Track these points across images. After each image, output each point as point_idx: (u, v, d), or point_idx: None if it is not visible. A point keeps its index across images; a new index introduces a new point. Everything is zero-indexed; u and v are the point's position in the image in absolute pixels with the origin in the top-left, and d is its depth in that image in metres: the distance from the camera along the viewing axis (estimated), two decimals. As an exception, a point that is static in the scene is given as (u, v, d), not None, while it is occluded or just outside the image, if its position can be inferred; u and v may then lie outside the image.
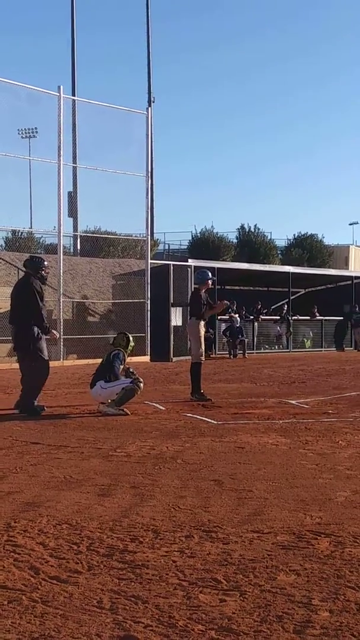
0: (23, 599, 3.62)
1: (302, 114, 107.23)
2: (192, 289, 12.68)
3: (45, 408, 10.11)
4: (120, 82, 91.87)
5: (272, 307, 30.40)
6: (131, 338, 10.71)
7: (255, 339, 27.31)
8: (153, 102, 38.76)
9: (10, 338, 14.58)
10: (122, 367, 10.32)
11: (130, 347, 10.60)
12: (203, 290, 11.84)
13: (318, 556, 4.23)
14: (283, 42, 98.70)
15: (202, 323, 11.75)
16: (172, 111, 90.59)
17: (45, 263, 10.77)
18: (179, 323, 23.45)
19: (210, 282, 12.07)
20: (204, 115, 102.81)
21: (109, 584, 3.81)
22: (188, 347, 12.11)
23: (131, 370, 10.45)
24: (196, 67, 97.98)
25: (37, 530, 4.73)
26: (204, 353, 11.79)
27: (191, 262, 25.14)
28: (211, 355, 20.01)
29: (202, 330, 11.76)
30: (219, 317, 23.89)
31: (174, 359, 22.52)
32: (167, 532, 4.67)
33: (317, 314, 29.90)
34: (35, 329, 10.08)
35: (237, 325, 24.72)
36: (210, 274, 12.11)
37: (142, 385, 10.27)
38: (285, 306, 28.90)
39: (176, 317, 23.37)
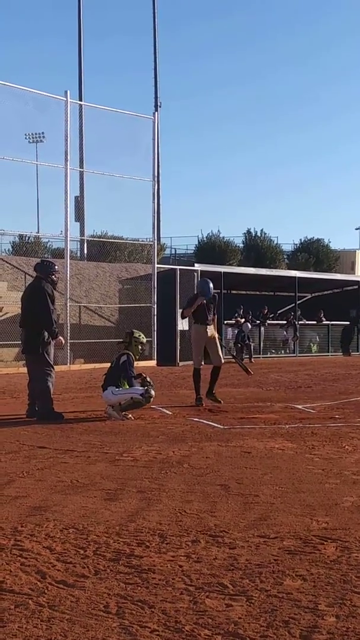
0: (30, 603, 3.63)
1: (310, 118, 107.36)
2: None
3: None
4: (127, 88, 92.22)
5: (279, 311, 30.39)
6: (137, 334, 10.67)
7: (261, 343, 27.31)
8: (160, 107, 38.90)
9: (18, 342, 14.66)
10: (134, 371, 10.33)
11: (135, 344, 10.55)
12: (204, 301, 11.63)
13: (324, 561, 4.22)
14: (290, 46, 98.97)
15: (205, 328, 11.55)
16: (178, 116, 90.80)
17: (56, 267, 10.81)
18: (186, 327, 23.46)
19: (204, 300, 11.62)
20: (210, 120, 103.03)
21: (115, 589, 3.82)
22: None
23: (148, 380, 10.43)
24: (200, 73, 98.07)
25: (44, 534, 4.74)
26: (201, 360, 11.61)
27: (198, 267, 25.17)
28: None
29: (206, 334, 11.54)
30: (225, 322, 23.89)
31: (181, 363, 22.53)
32: (173, 537, 4.67)
33: (323, 319, 29.88)
34: (45, 332, 10.11)
35: (247, 330, 24.81)
36: (210, 287, 11.71)
37: (152, 399, 10.26)
38: (299, 311, 28.95)
39: (183, 322, 23.38)
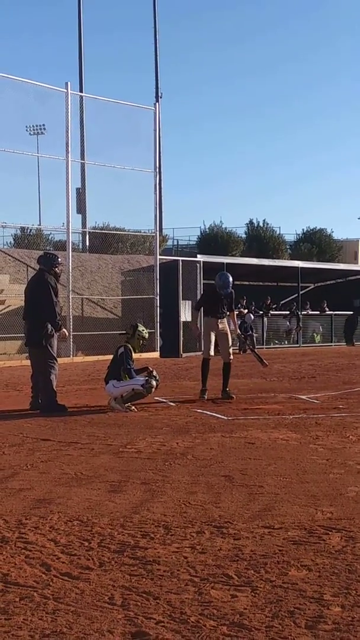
0: (35, 595, 3.63)
1: (311, 110, 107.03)
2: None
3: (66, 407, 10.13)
4: (127, 80, 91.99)
5: (282, 302, 30.37)
6: (140, 328, 10.66)
7: (265, 334, 27.29)
8: (161, 97, 38.71)
9: (21, 335, 14.66)
10: (133, 363, 10.33)
11: (138, 337, 10.54)
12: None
13: (329, 551, 4.22)
14: (293, 40, 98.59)
15: (215, 320, 11.39)
16: (180, 108, 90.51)
17: (60, 260, 10.80)
18: (189, 318, 23.45)
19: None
20: (213, 111, 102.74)
21: (120, 580, 3.82)
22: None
23: (154, 374, 10.41)
24: (203, 65, 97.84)
25: (48, 527, 4.74)
26: (210, 350, 11.50)
27: (200, 258, 25.15)
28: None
29: (217, 326, 11.37)
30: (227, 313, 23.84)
31: (184, 354, 22.53)
32: (178, 528, 4.67)
33: (326, 309, 29.86)
34: (49, 325, 10.11)
35: (250, 321, 24.80)
36: (229, 282, 11.41)
37: (153, 389, 10.25)
38: (307, 304, 28.93)
39: (186, 313, 23.37)
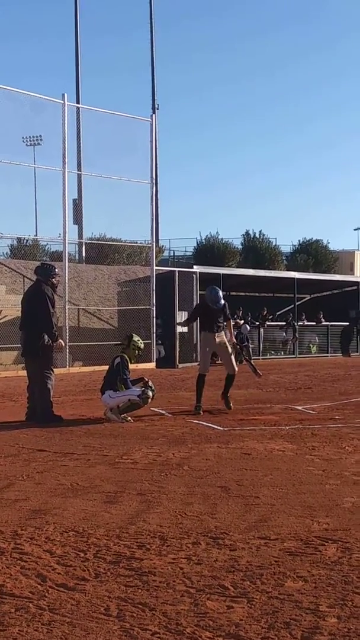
0: (30, 606, 3.62)
1: (306, 118, 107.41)
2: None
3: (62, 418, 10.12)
4: (124, 90, 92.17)
5: (278, 313, 30.40)
6: (136, 338, 10.67)
7: (261, 344, 27.30)
8: (157, 109, 38.89)
9: (17, 345, 14.65)
10: (129, 373, 10.33)
11: (133, 347, 10.55)
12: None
13: (325, 562, 4.22)
14: (286, 46, 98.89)
15: (213, 335, 11.21)
16: (175, 117, 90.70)
17: (57, 270, 10.80)
18: (185, 330, 23.46)
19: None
20: (207, 121, 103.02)
21: (116, 592, 3.81)
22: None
23: (150, 384, 10.41)
24: (200, 74, 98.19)
25: (44, 537, 4.73)
26: (207, 366, 11.36)
27: (196, 269, 25.18)
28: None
29: (214, 341, 11.21)
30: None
31: (180, 365, 22.52)
32: (174, 539, 4.66)
33: (323, 320, 29.90)
34: (45, 336, 10.11)
35: (246, 332, 24.80)
36: (219, 296, 11.21)
37: (149, 400, 10.24)
38: (303, 315, 28.99)
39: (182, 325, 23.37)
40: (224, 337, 11.40)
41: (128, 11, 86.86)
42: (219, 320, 11.26)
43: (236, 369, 11.33)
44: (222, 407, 11.25)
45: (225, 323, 11.47)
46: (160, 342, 22.95)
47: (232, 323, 11.97)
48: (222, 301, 11.26)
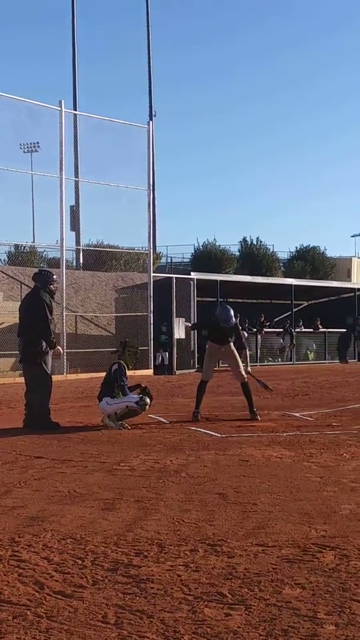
0: (28, 614, 3.62)
1: (306, 130, 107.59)
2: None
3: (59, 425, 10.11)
4: (122, 98, 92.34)
5: (275, 319, 30.43)
6: (130, 344, 10.67)
7: (258, 351, 27.31)
8: (154, 116, 38.97)
9: (15, 352, 14.63)
10: (127, 380, 10.33)
11: (129, 353, 10.54)
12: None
13: (323, 569, 4.21)
14: (290, 63, 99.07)
15: (219, 345, 11.14)
16: (174, 124, 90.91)
17: (55, 277, 10.81)
18: (182, 336, 23.48)
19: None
20: (207, 129, 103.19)
21: (113, 599, 3.80)
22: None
23: (147, 390, 10.40)
24: (200, 85, 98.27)
25: (42, 545, 4.73)
26: (209, 373, 11.26)
27: (194, 275, 25.22)
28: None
29: (220, 350, 11.17)
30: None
31: (178, 372, 22.53)
32: (171, 546, 4.66)
33: (320, 327, 29.93)
34: (43, 342, 10.11)
35: (246, 337, 24.81)
36: (231, 315, 10.98)
37: (147, 407, 10.23)
38: (300, 321, 29.00)
39: (179, 330, 23.40)
40: (231, 345, 11.13)
41: (126, 18, 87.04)
42: (229, 338, 11.07)
43: (245, 375, 11.11)
44: (219, 413, 11.26)
45: (239, 349, 11.19)
46: (165, 349, 22.99)
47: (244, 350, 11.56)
48: (233, 320, 11.05)
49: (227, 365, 11.55)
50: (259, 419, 10.72)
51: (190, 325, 21.80)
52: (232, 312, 11.03)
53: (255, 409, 10.91)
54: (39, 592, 3.92)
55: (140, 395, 10.20)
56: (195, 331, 22.89)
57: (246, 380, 11.11)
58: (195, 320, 22.98)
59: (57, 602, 3.78)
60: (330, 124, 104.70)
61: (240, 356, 11.30)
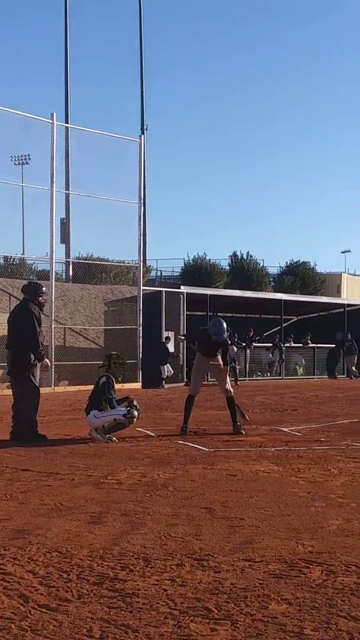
0: (12, 627, 3.58)
1: (294, 142, 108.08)
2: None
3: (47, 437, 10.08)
4: (114, 106, 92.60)
5: (265, 334, 30.46)
6: (115, 355, 10.65)
7: (247, 366, 27.32)
8: (146, 129, 39.07)
9: (2, 364, 14.57)
10: (115, 393, 10.31)
11: (115, 365, 10.51)
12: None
13: (310, 585, 4.20)
14: (281, 74, 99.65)
15: (207, 358, 11.11)
16: (164, 137, 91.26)
17: (44, 289, 10.79)
18: (172, 349, 23.48)
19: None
20: (196, 141, 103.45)
21: (99, 613, 3.78)
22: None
23: (135, 403, 10.37)
24: (189, 93, 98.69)
25: (27, 558, 4.69)
26: (197, 387, 11.27)
27: (184, 289, 25.24)
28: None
29: (208, 363, 11.14)
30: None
31: (166, 385, 22.49)
32: (158, 561, 4.63)
33: (309, 342, 29.98)
34: (31, 354, 10.09)
35: (233, 353, 24.80)
36: (223, 329, 10.91)
37: (135, 419, 10.21)
38: (291, 337, 29.08)
39: (169, 344, 23.41)
40: (219, 360, 11.16)
41: (118, 31, 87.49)
42: (217, 351, 11.07)
43: (231, 390, 11.17)
44: (207, 427, 11.24)
45: (222, 365, 11.17)
46: (168, 361, 23.02)
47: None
48: (226, 335, 11.03)
49: (214, 379, 11.51)
50: (243, 433, 10.75)
51: (181, 336, 21.83)
52: (225, 325, 11.00)
53: (239, 423, 10.94)
54: (23, 605, 3.89)
55: (128, 408, 10.18)
56: (185, 345, 22.92)
57: (232, 395, 11.13)
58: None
59: (41, 615, 3.75)
60: (324, 147, 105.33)
61: (229, 372, 11.28)
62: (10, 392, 10.89)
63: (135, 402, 10.41)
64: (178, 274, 41.70)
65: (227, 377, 11.35)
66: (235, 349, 25.55)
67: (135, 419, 10.21)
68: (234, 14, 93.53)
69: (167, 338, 23.33)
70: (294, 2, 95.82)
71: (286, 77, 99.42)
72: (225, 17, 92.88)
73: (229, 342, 11.21)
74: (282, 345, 28.49)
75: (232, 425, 10.96)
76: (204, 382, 12.80)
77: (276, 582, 4.23)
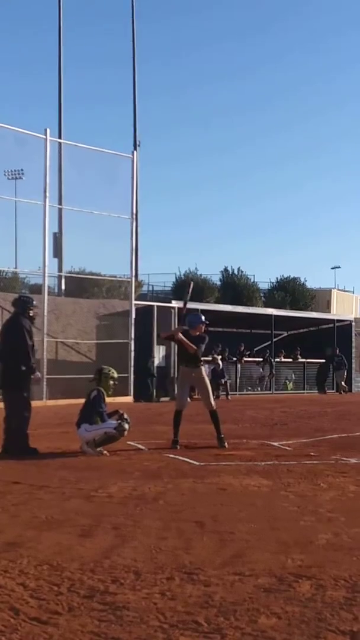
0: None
1: (286, 156, 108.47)
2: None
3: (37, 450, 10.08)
4: (107, 121, 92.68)
5: (255, 349, 30.53)
6: (106, 369, 10.68)
7: (237, 380, 27.36)
8: (139, 145, 39.22)
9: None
10: (106, 406, 10.33)
11: (105, 379, 10.53)
12: (197, 334, 11.15)
13: (299, 599, 4.22)
14: (272, 80, 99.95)
15: (190, 370, 11.11)
16: (155, 152, 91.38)
17: (34, 302, 10.83)
18: (163, 364, 23.52)
19: (202, 326, 11.26)
20: (187, 157, 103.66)
21: (89, 626, 3.79)
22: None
23: (125, 416, 10.39)
24: (180, 106, 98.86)
25: (18, 570, 4.70)
26: (183, 402, 11.19)
27: (175, 304, 25.28)
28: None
29: (191, 376, 11.15)
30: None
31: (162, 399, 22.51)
32: (148, 574, 4.65)
33: (299, 357, 30.07)
34: (23, 368, 10.11)
35: (220, 368, 24.79)
36: (202, 317, 11.38)
37: (125, 432, 10.23)
38: (282, 352, 29.12)
39: (160, 357, 23.44)
40: (203, 372, 11.33)
41: (112, 47, 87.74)
42: (198, 359, 11.09)
43: (214, 404, 11.22)
44: (198, 441, 11.26)
45: (201, 356, 11.24)
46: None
47: (209, 358, 11.77)
48: (202, 318, 11.28)
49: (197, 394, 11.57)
50: (227, 446, 10.83)
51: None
52: (201, 317, 11.29)
53: (222, 436, 11.03)
54: (14, 618, 3.91)
55: (119, 422, 10.20)
56: (172, 358, 22.97)
57: (215, 409, 11.16)
58: (176, 350, 23.05)
59: (32, 628, 3.76)
60: (314, 164, 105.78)
61: (220, 387, 11.36)
62: (1, 405, 10.88)
63: (125, 415, 10.43)
64: (169, 288, 41.78)
65: (210, 391, 11.40)
66: (221, 364, 25.32)
67: (126, 432, 10.24)
68: (233, 32, 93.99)
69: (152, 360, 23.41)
70: (293, 23, 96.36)
71: (280, 98, 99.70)
72: (222, 34, 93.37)
73: (206, 338, 11.25)
74: (272, 360, 28.54)
75: (216, 438, 11.01)
76: (195, 397, 12.83)
77: (266, 596, 4.26)
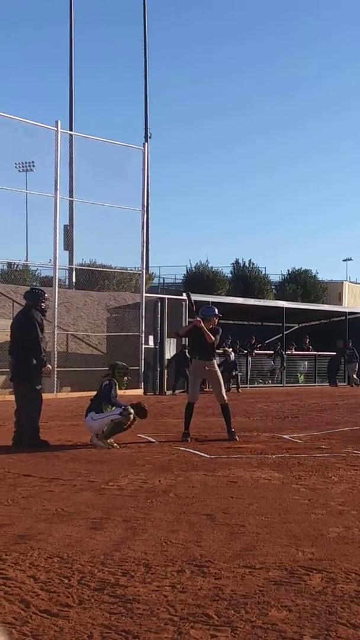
0: (13, 632, 3.60)
1: (296, 152, 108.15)
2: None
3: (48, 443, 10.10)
4: (118, 115, 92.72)
5: (267, 341, 30.47)
6: (119, 364, 10.67)
7: (249, 373, 27.33)
8: (150, 137, 39.19)
9: (5, 370, 14.62)
10: (117, 396, 10.31)
11: (118, 374, 10.52)
12: (210, 326, 11.08)
13: (310, 592, 4.21)
14: (281, 77, 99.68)
15: (203, 363, 11.13)
16: (168, 145, 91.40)
17: (46, 295, 10.83)
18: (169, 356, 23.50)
19: (216, 319, 11.23)
20: (200, 150, 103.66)
21: (99, 619, 3.79)
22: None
23: (143, 405, 10.40)
24: (192, 101, 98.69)
25: (28, 563, 4.71)
26: (196, 394, 11.27)
27: (186, 296, 25.24)
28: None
29: (204, 369, 11.19)
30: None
31: (168, 392, 22.50)
32: (158, 567, 4.65)
33: (310, 347, 30.00)
34: (34, 361, 10.12)
35: (232, 360, 24.74)
36: (215, 310, 11.37)
37: (131, 415, 10.18)
38: (293, 345, 29.10)
39: (170, 351, 23.43)
40: (215, 366, 11.34)
41: (123, 40, 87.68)
42: (208, 346, 11.09)
43: (226, 397, 11.22)
44: (208, 434, 11.26)
45: (215, 347, 11.31)
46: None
47: (220, 351, 11.84)
48: (215, 311, 11.29)
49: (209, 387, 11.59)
50: (237, 439, 10.82)
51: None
52: (215, 310, 11.33)
53: (233, 430, 11.03)
54: (24, 610, 3.91)
55: (124, 406, 10.14)
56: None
57: (227, 402, 11.17)
58: (187, 342, 23.04)
59: (42, 620, 3.77)
60: (326, 158, 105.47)
61: (231, 380, 11.42)
62: (12, 397, 10.90)
63: (142, 404, 10.45)
64: (180, 281, 41.78)
65: (222, 384, 11.41)
66: (233, 356, 25.28)
67: (132, 416, 10.14)
68: (242, 29, 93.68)
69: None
70: (300, 21, 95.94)
71: (290, 94, 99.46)
72: (232, 31, 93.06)
73: (220, 331, 11.31)
74: (283, 352, 28.50)
75: (227, 432, 11.02)
76: (205, 390, 12.81)
77: (276, 589, 4.25)
